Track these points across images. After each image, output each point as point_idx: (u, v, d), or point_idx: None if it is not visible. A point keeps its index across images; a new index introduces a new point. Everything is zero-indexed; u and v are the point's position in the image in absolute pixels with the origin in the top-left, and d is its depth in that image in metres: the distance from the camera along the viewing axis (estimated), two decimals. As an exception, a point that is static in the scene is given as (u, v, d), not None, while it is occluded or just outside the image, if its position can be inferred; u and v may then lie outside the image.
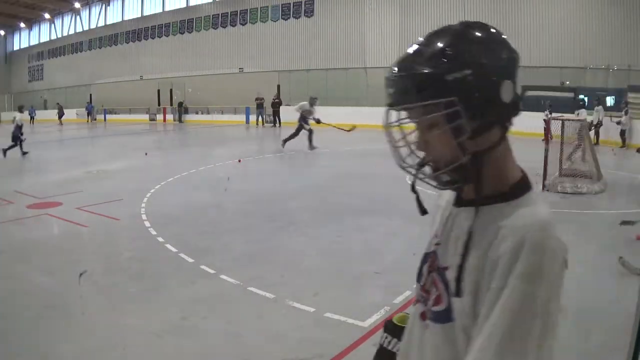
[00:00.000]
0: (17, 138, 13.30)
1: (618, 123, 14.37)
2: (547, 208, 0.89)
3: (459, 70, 0.84)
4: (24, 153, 13.41)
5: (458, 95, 0.84)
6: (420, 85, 0.85)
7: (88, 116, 31.25)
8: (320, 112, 13.91)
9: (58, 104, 31.11)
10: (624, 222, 5.35)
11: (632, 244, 5.05)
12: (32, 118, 29.42)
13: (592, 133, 13.02)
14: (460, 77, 0.84)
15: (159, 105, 30.28)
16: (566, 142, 8.66)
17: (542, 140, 9.19)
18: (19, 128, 13.34)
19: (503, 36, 0.90)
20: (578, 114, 12.98)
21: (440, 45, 0.86)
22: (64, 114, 30.31)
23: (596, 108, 15.33)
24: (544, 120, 11.03)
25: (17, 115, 13.84)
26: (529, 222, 0.84)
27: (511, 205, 0.89)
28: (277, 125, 23.18)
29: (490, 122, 0.89)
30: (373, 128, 19.37)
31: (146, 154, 13.17)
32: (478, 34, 0.88)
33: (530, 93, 17.30)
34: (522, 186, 0.92)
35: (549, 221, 0.86)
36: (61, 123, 29.19)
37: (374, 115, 20.86)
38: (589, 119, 14.67)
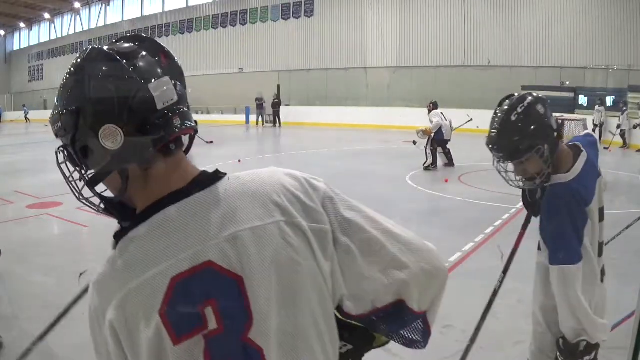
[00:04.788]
0: None
1: (618, 127, 14.35)
2: None
3: None
4: None
5: None
6: None
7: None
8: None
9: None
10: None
11: (633, 246, 5.02)
12: (26, 117, 30.00)
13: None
14: None
15: (158, 105, 30.31)
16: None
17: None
18: None
19: None
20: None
21: None
22: None
23: (597, 108, 15.33)
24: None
25: None
26: None
27: None
28: (277, 125, 23.21)
29: None
30: (372, 128, 19.40)
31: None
32: None
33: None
34: None
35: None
36: None
37: (373, 115, 20.89)
38: (590, 119, 14.67)
